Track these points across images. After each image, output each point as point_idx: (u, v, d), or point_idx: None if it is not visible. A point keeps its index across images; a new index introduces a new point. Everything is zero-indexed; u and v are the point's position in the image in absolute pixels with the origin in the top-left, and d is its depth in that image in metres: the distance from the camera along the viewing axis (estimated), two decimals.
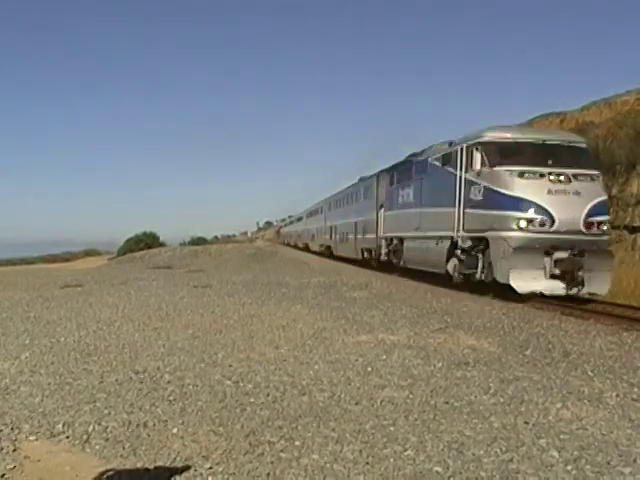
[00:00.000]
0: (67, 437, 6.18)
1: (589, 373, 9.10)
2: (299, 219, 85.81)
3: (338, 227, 45.90)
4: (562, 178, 17.52)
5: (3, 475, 5.27)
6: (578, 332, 12.73)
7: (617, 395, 7.87)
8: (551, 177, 17.54)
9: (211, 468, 5.35)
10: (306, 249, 69.85)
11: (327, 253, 51.93)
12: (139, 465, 5.44)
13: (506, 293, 18.15)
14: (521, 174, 17.77)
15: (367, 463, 5.47)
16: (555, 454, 5.72)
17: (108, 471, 5.29)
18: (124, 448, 5.86)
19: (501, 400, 7.55)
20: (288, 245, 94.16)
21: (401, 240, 27.55)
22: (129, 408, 7.14)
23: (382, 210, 30.84)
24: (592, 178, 18.15)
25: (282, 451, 5.77)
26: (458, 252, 20.62)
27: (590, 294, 18.00)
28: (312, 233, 66.32)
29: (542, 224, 17.29)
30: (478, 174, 19.03)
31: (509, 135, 19.34)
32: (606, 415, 7.03)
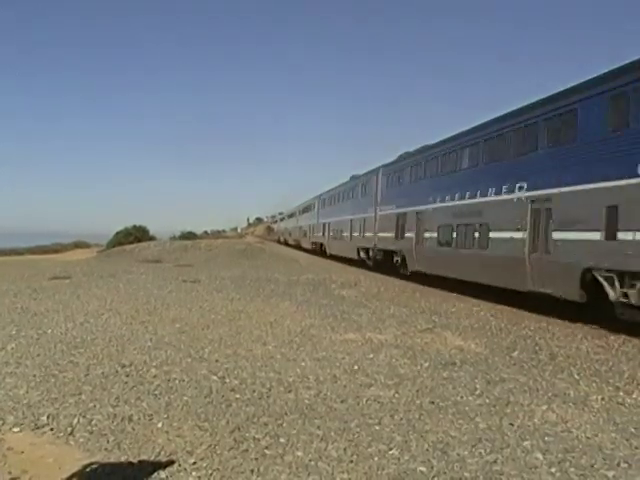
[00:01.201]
0: (51, 429, 6.16)
1: (575, 376, 9.13)
2: (305, 209, 63.71)
3: (426, 218, 24.04)
4: None
5: None
6: (565, 335, 12.78)
7: (602, 398, 7.90)
8: None
9: (195, 463, 5.34)
10: (319, 253, 51.18)
11: (369, 264, 33.36)
12: (123, 459, 5.43)
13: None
14: None
15: (351, 461, 5.47)
16: (539, 456, 5.73)
17: (92, 464, 5.26)
18: (108, 441, 5.84)
19: (487, 401, 7.57)
20: (286, 245, 76.75)
21: None
22: (114, 401, 7.12)
23: None
24: None
25: (267, 448, 5.77)
26: None
27: None
28: (336, 229, 43.54)
29: None
30: None
31: None
32: (591, 418, 7.05)
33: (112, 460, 5.39)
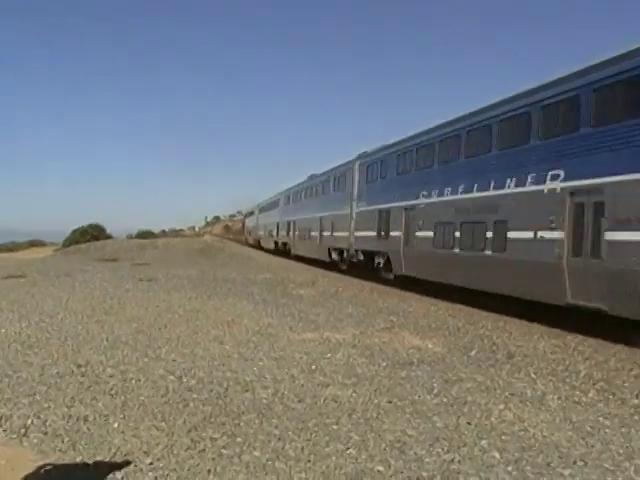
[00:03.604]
0: (4, 430, 6.05)
1: (532, 375, 9.23)
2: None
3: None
4: None
5: None
6: (522, 334, 12.92)
7: (559, 397, 8.00)
8: None
9: (152, 464, 5.28)
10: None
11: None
12: (78, 460, 5.35)
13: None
14: None
15: (309, 461, 5.46)
16: (496, 455, 5.78)
17: (46, 465, 5.18)
18: (63, 442, 5.75)
19: (444, 400, 7.61)
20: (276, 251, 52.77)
21: None
22: (69, 402, 7.02)
23: None
24: None
25: (224, 447, 5.73)
26: None
27: None
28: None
29: None
30: None
31: None
32: (548, 417, 7.14)
33: (67, 461, 5.30)
